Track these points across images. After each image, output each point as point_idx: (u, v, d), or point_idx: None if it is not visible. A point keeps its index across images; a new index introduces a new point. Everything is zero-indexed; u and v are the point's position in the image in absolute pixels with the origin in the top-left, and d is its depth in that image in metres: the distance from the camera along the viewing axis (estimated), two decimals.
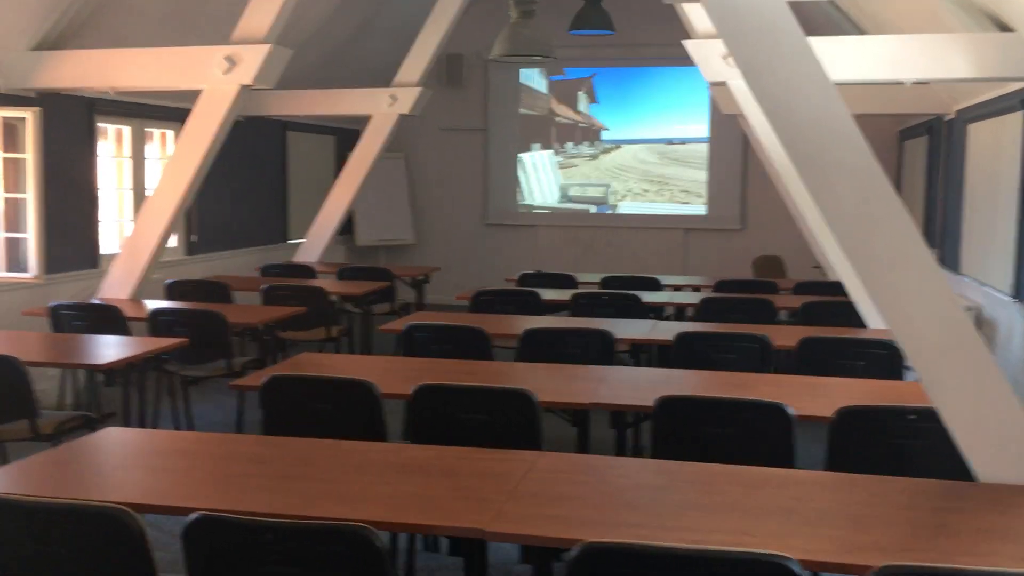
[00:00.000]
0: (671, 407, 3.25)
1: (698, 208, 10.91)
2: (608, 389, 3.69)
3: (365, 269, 7.93)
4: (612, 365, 4.57)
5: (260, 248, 9.43)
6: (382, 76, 10.28)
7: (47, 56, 6.05)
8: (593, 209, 11.21)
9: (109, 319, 5.32)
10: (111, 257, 7.11)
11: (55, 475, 2.64)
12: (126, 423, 4.43)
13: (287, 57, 6.00)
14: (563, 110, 11.20)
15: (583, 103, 11.15)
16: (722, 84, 5.33)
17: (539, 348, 4.67)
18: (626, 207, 11.11)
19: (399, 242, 11.38)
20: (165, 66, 5.93)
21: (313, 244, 8.84)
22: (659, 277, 7.45)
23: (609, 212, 11.15)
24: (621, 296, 6.17)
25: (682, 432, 3.27)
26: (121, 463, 2.82)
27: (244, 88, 5.90)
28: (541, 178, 11.34)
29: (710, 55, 5.15)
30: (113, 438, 3.06)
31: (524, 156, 11.32)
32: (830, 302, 5.79)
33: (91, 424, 4.27)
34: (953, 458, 3.16)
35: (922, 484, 2.63)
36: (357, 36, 9.68)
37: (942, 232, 7.72)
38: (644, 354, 5.27)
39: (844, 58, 5.01)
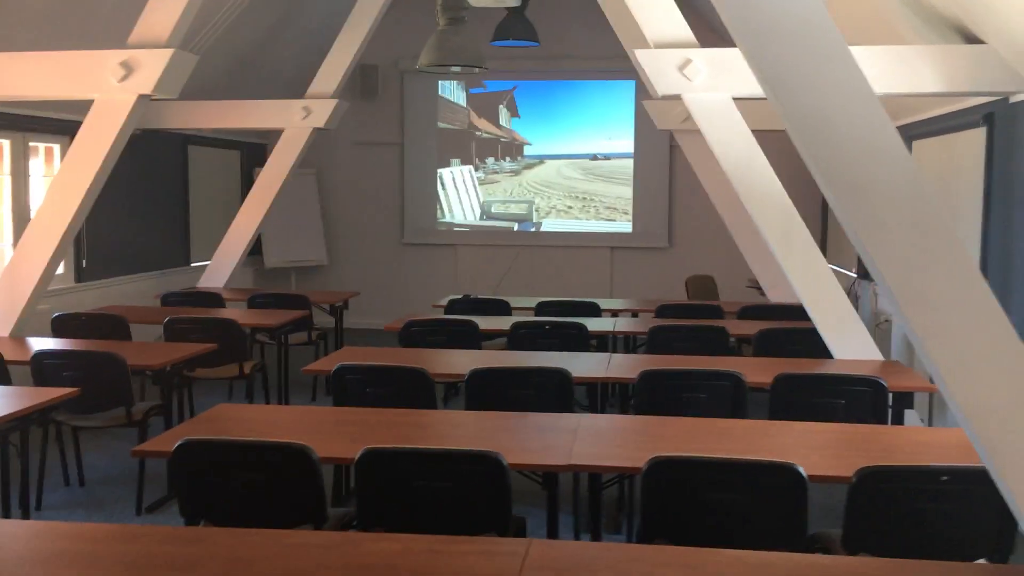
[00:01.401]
0: (663, 470, 2.80)
1: (624, 225, 10.58)
2: (583, 445, 3.21)
3: (278, 296, 7.29)
4: (571, 409, 4.10)
5: (159, 273, 8.66)
6: (292, 87, 9.64)
7: None
8: (516, 226, 10.76)
9: None
10: None
11: None
12: (3, 495, 3.74)
13: (192, 63, 5.36)
14: (483, 124, 10.74)
15: (504, 117, 10.70)
16: (675, 97, 4.93)
17: (487, 390, 4.17)
18: (550, 224, 10.70)
19: (311, 263, 10.71)
20: (52, 72, 5.22)
21: (219, 268, 8.13)
22: (596, 301, 7.03)
23: (532, 230, 10.72)
24: (564, 325, 5.71)
25: (678, 498, 2.82)
26: None
27: (142, 98, 5.25)
28: (461, 194, 10.84)
29: (665, 66, 4.75)
30: None
31: (443, 171, 10.81)
32: (788, 329, 5.46)
33: None
34: (982, 522, 2.79)
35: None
36: (264, 44, 9.03)
37: None
38: (600, 393, 4.81)
39: None
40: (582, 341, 5.63)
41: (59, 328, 5.82)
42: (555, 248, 10.65)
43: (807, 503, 2.71)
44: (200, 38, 7.65)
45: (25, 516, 3.99)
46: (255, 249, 9.70)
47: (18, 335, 5.44)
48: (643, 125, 10.36)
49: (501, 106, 10.69)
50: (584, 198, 10.64)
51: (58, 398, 3.90)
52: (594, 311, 6.83)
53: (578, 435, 3.31)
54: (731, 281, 9.52)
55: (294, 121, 7.88)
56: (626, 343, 6.35)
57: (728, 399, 4.09)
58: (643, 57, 4.84)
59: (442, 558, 2.21)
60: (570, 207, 10.67)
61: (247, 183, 10.38)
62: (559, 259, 10.64)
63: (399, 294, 10.70)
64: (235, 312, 6.69)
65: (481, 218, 10.81)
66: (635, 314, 7.23)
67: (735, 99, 4.84)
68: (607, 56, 10.26)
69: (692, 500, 2.82)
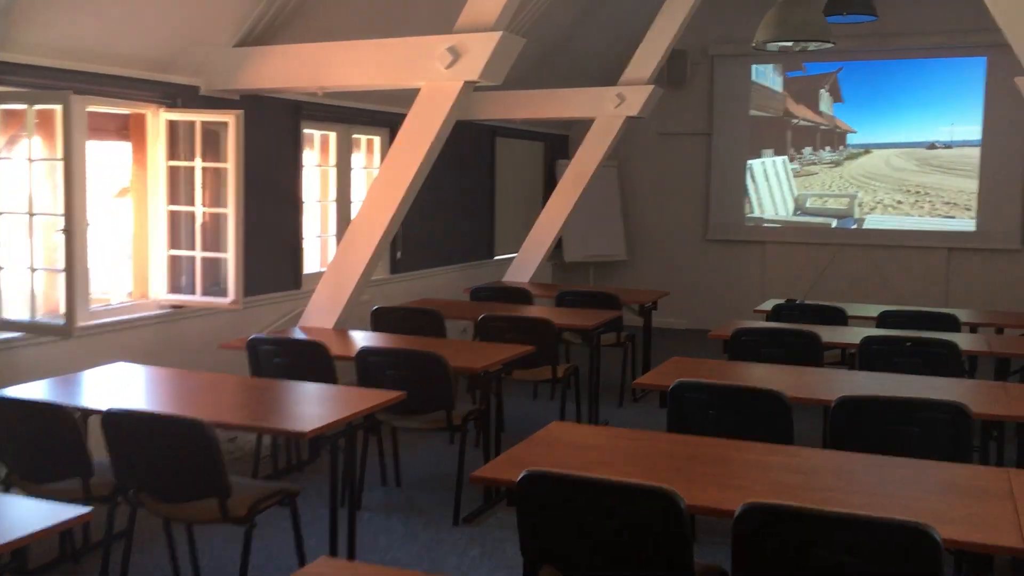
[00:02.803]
0: None
1: (966, 223, 9.26)
2: None
3: (587, 294, 6.91)
4: (969, 455, 3.33)
5: (466, 265, 8.61)
6: (598, 76, 9.28)
7: (251, 53, 5.38)
8: (834, 223, 9.76)
9: (313, 358, 4.53)
10: (314, 277, 6.43)
11: None
12: (332, 493, 3.57)
13: (518, 47, 5.05)
14: (801, 111, 9.82)
15: (825, 102, 9.72)
16: None
17: (857, 423, 3.49)
18: (874, 221, 9.60)
19: (610, 258, 10.33)
20: (380, 61, 5.11)
21: (525, 262, 7.92)
22: (954, 312, 6.02)
23: (853, 227, 9.67)
24: (929, 343, 4.84)
25: None
26: None
27: (468, 85, 5.01)
28: (773, 188, 10.00)
29: None
30: None
31: (753, 163, 10.01)
32: None
33: (290, 499, 3.43)
34: None
35: None
36: (572, 31, 8.69)
37: None
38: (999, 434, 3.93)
39: None
40: (951, 362, 4.74)
41: (378, 321, 5.77)
42: (879, 248, 9.55)
43: None
44: (512, 26, 7.44)
45: (351, 514, 3.82)
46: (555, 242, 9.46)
47: (341, 327, 5.41)
48: (994, 108, 9.01)
49: (822, 90, 9.72)
50: (917, 192, 9.44)
51: (386, 402, 3.68)
52: (951, 324, 5.84)
53: (1018, 498, 2.56)
54: None
55: (607, 109, 7.49)
56: (997, 367, 5.29)
57: None
58: None
59: None
60: (900, 202, 9.51)
61: (549, 176, 10.19)
62: (883, 260, 9.52)
63: (702, 294, 10.06)
64: (546, 310, 6.39)
65: (795, 213, 9.91)
66: (999, 330, 6.14)
67: None
68: (951, 30, 9.03)
69: None
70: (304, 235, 6.49)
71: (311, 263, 6.68)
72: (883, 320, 5.98)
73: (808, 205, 9.87)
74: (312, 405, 3.73)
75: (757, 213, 10.05)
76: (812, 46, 5.84)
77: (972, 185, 9.20)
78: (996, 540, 2.32)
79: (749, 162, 10.01)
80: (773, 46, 5.81)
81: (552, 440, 3.16)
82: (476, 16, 4.90)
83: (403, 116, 5.21)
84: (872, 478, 2.83)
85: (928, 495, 2.69)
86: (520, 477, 2.57)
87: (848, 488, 2.73)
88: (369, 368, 4.48)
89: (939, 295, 9.34)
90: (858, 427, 3.52)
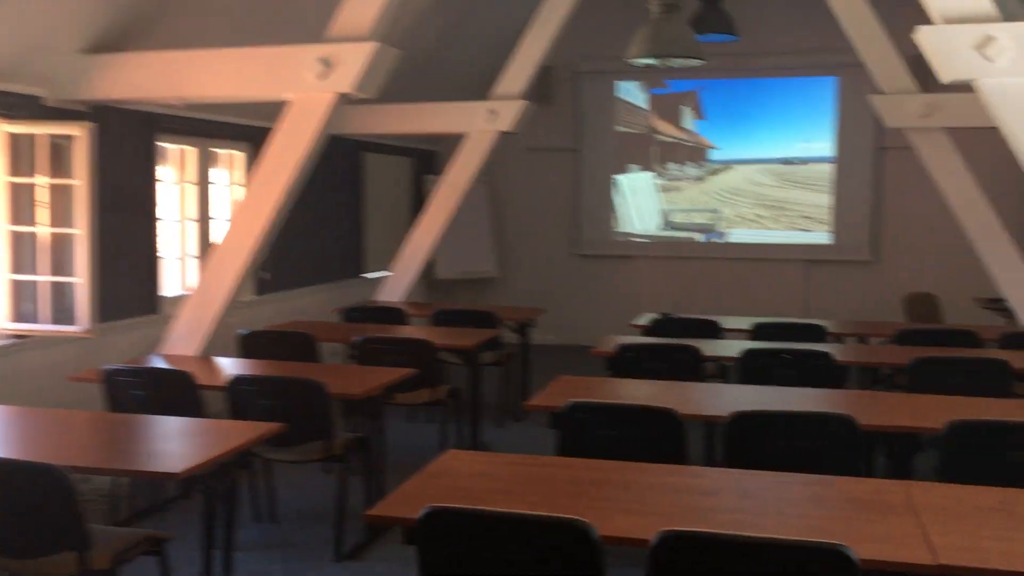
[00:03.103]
0: None
1: (822, 236, 9.63)
2: (938, 528, 2.45)
3: (463, 313, 6.76)
4: (870, 468, 3.36)
5: (334, 285, 8.32)
6: (465, 90, 9.19)
7: (102, 60, 4.99)
8: (700, 237, 9.97)
9: (177, 389, 4.20)
10: (173, 300, 6.05)
11: None
12: (206, 535, 3.28)
13: (394, 59, 4.87)
14: (665, 127, 10.00)
15: (688, 119, 9.94)
16: (963, 83, 4.10)
17: (753, 439, 3.47)
18: (738, 235, 9.86)
19: (481, 275, 10.23)
20: (247, 71, 4.83)
21: (398, 281, 7.70)
22: (820, 323, 6.19)
23: (718, 241, 9.90)
24: (808, 354, 4.92)
25: None
26: None
27: (341, 97, 4.79)
28: (640, 203, 10.13)
29: (959, 46, 3.92)
30: None
31: (621, 178, 10.13)
32: None
33: (157, 547, 3.12)
34: None
35: None
36: (440, 45, 8.56)
37: None
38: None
39: None
40: (827, 373, 4.82)
41: (246, 346, 5.44)
42: (742, 261, 9.81)
43: None
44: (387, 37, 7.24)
45: (227, 558, 3.52)
46: None
47: (206, 354, 5.07)
48: (845, 126, 9.42)
49: (685, 107, 9.94)
50: (776, 206, 9.76)
51: (264, 435, 3.42)
52: (818, 335, 5.99)
53: (920, 512, 2.56)
54: (951, 299, 8.45)
55: (478, 124, 7.38)
56: (873, 377, 5.41)
57: None
58: (928, 35, 4.02)
59: None
60: (760, 216, 9.81)
61: (418, 192, 10.01)
62: (747, 273, 9.79)
63: (574, 309, 10.07)
64: (423, 330, 6.21)
65: (662, 228, 10.06)
66: (863, 339, 6.34)
67: None
68: (804, 50, 9.39)
69: None
70: (161, 256, 6.09)
71: (170, 286, 6.27)
72: (756, 332, 6.08)
73: (675, 220, 10.05)
74: (181, 441, 3.42)
75: (626, 228, 10.16)
76: (678, 62, 5.90)
77: (826, 200, 9.58)
78: (908, 558, 2.30)
79: (616, 177, 10.12)
80: (643, 62, 5.83)
81: (447, 471, 2.98)
82: (349, 25, 4.70)
83: (267, 130, 4.95)
84: (778, 497, 2.79)
85: (835, 512, 2.66)
86: (421, 514, 2.39)
87: (758, 509, 2.67)
88: (241, 398, 4.18)
89: (799, 306, 9.66)
90: (753, 442, 3.50)
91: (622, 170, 10.11)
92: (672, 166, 10.01)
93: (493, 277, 10.35)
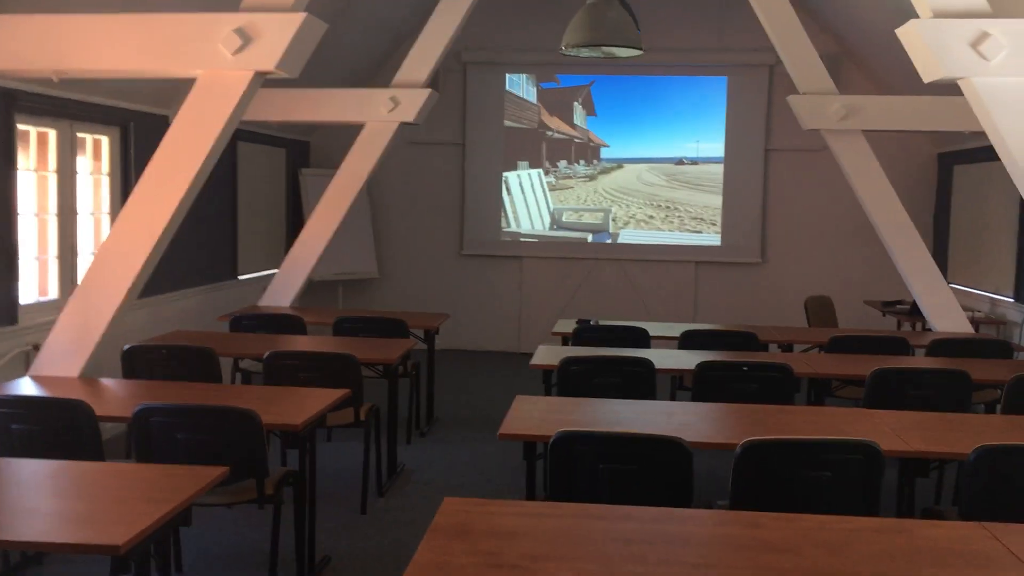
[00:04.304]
0: None
1: (712, 238, 9.54)
2: None
3: (368, 320, 6.15)
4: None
5: (208, 288, 7.50)
6: (353, 76, 8.58)
7: None
8: (590, 238, 9.69)
9: (70, 423, 3.44)
10: (34, 309, 5.20)
11: None
12: None
13: (320, 34, 4.25)
14: (555, 123, 9.66)
15: (579, 115, 9.64)
16: (950, 82, 3.89)
17: (767, 474, 3.11)
18: (628, 235, 9.64)
19: (361, 276, 9.58)
20: (145, 41, 4.07)
21: (285, 285, 6.99)
22: (750, 331, 5.96)
23: (608, 241, 9.66)
24: (764, 367, 4.64)
25: None
26: None
27: (259, 76, 4.13)
28: (529, 201, 9.75)
29: (952, 41, 3.70)
30: None
31: (509, 175, 9.72)
32: None
33: None
34: None
35: None
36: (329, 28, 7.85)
37: None
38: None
39: None
40: (787, 386, 4.56)
41: (132, 365, 4.67)
42: (633, 262, 9.60)
43: None
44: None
45: None
46: None
47: (89, 375, 4.29)
48: (735, 127, 9.37)
49: (576, 103, 9.63)
50: (667, 207, 9.60)
51: (209, 484, 2.76)
52: (751, 343, 5.76)
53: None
54: (841, 302, 8.51)
55: (379, 114, 6.78)
56: (818, 388, 5.18)
57: None
58: (918, 30, 3.79)
59: None
60: (651, 217, 9.62)
61: (293, 186, 9.26)
62: (638, 274, 9.59)
63: (459, 311, 9.58)
64: (331, 341, 5.57)
65: (551, 228, 9.72)
66: (789, 346, 6.16)
67: None
68: (698, 50, 9.27)
69: None
70: (20, 256, 5.18)
71: (30, 291, 5.37)
72: (685, 340, 5.79)
73: (564, 219, 9.73)
74: (102, 496, 2.71)
75: (514, 227, 9.76)
76: (620, 52, 5.53)
77: (717, 201, 9.50)
78: None
79: (505, 174, 9.70)
80: (580, 52, 5.42)
81: (467, 529, 2.45)
82: None
83: (140, 113, 4.29)
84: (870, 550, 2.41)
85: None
86: None
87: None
88: (152, 433, 3.48)
89: (688, 308, 9.55)
90: (766, 476, 3.14)
91: (511, 167, 9.70)
92: (562, 164, 9.68)
93: (373, 278, 9.72)
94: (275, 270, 8.81)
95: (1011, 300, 7.33)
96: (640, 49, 5.46)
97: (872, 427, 3.60)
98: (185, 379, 4.47)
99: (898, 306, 7.92)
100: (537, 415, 3.71)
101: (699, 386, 4.62)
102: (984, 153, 8.03)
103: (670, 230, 9.59)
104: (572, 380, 4.65)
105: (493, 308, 9.72)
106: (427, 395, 6.63)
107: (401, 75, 6.84)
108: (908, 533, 2.48)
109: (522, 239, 9.73)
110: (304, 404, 3.82)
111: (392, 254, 9.86)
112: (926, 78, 3.95)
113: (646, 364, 4.65)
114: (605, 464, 3.18)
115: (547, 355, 5.11)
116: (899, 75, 8.12)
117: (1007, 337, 7.06)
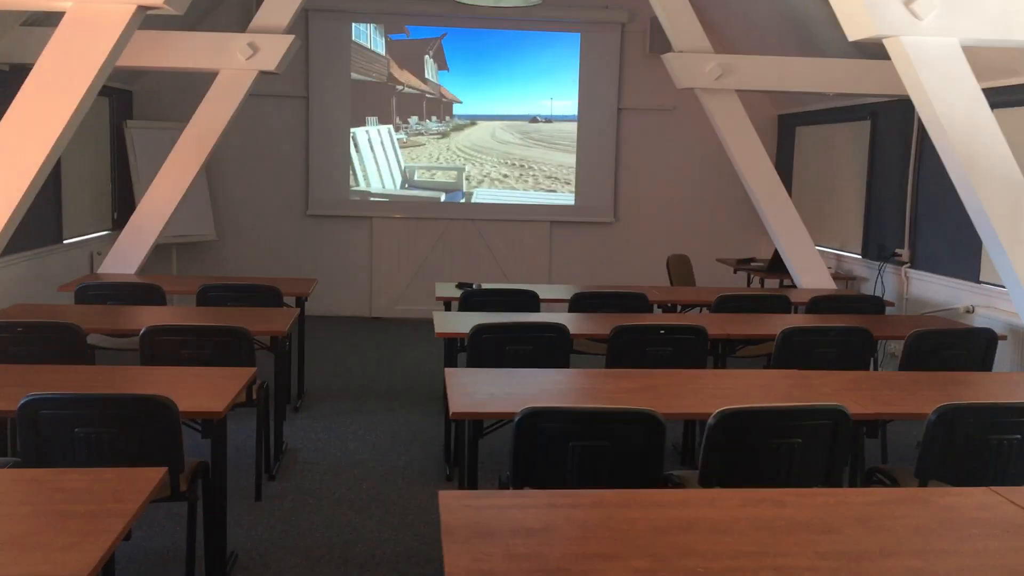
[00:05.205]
0: None
1: (566, 197, 9.48)
2: None
3: (240, 288, 5.61)
4: None
5: (31, 254, 6.65)
6: (205, 20, 7.86)
7: None
8: (443, 197, 9.40)
9: None
10: None
11: None
12: None
13: None
14: (406, 77, 9.25)
15: (431, 69, 9.27)
16: (875, 40, 3.90)
17: (740, 444, 3.01)
18: (482, 195, 9.42)
19: (197, 238, 8.86)
20: None
21: (129, 250, 6.31)
22: (639, 291, 5.91)
23: (462, 201, 9.40)
24: (679, 330, 4.57)
25: None
26: None
27: (141, 10, 3.57)
28: (379, 159, 9.32)
29: None
30: None
31: (357, 131, 9.24)
32: (942, 332, 4.62)
33: None
34: None
35: None
36: None
37: (913, 230, 6.90)
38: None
39: None
40: (699, 349, 4.53)
41: None
42: (487, 222, 9.40)
43: None
44: None
45: None
46: (122, 221, 7.70)
47: None
48: (587, 85, 9.31)
49: (427, 56, 9.25)
50: (522, 166, 9.44)
51: (152, 492, 2.33)
52: (641, 305, 5.71)
53: None
54: (695, 260, 8.69)
55: (236, 61, 6.18)
56: (728, 348, 5.17)
57: None
58: None
59: None
60: (506, 175, 9.44)
61: (118, 139, 8.40)
62: (492, 234, 9.41)
63: (307, 274, 9.07)
64: (202, 312, 5.04)
65: (402, 187, 9.35)
66: (684, 307, 6.16)
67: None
68: (551, 4, 9.10)
69: None
70: None
71: None
72: (576, 303, 5.66)
73: (416, 178, 9.38)
74: (24, 516, 2.22)
75: (363, 186, 9.31)
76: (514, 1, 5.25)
77: (571, 160, 9.44)
78: None
79: (353, 130, 9.21)
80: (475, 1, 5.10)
81: (474, 526, 2.18)
82: None
83: None
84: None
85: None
86: None
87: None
88: (43, 428, 2.94)
89: (543, 269, 9.49)
90: (739, 446, 3.04)
91: (360, 122, 9.22)
92: (413, 120, 9.30)
93: (211, 240, 9.02)
94: (104, 232, 8.03)
95: (858, 256, 7.70)
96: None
97: (835, 391, 3.58)
98: (51, 361, 3.88)
99: (752, 263, 8.15)
100: (484, 390, 3.45)
101: (614, 351, 4.50)
102: (826, 115, 8.38)
103: (524, 189, 9.45)
104: (484, 348, 4.42)
105: (342, 271, 9.28)
106: (298, 367, 6.19)
107: (259, 19, 6.26)
108: (924, 503, 2.43)
109: (372, 199, 9.31)
110: (214, 387, 3.38)
111: (231, 215, 9.18)
112: (851, 36, 3.94)
113: (560, 330, 4.48)
114: (575, 441, 2.99)
115: (447, 322, 4.85)
116: (743, 37, 8.30)
117: (856, 290, 7.41)
